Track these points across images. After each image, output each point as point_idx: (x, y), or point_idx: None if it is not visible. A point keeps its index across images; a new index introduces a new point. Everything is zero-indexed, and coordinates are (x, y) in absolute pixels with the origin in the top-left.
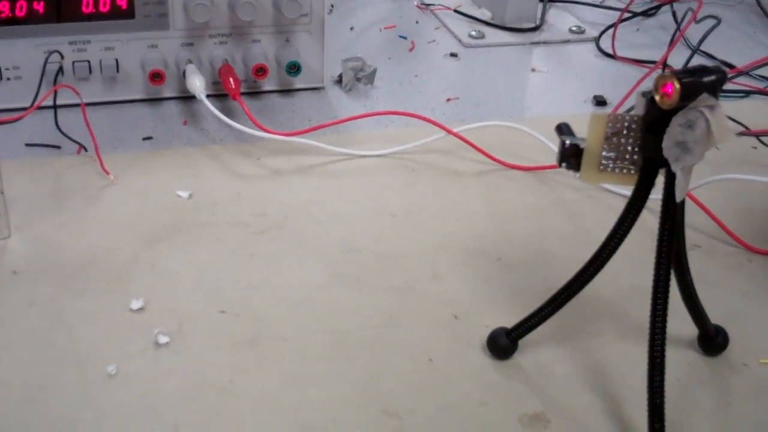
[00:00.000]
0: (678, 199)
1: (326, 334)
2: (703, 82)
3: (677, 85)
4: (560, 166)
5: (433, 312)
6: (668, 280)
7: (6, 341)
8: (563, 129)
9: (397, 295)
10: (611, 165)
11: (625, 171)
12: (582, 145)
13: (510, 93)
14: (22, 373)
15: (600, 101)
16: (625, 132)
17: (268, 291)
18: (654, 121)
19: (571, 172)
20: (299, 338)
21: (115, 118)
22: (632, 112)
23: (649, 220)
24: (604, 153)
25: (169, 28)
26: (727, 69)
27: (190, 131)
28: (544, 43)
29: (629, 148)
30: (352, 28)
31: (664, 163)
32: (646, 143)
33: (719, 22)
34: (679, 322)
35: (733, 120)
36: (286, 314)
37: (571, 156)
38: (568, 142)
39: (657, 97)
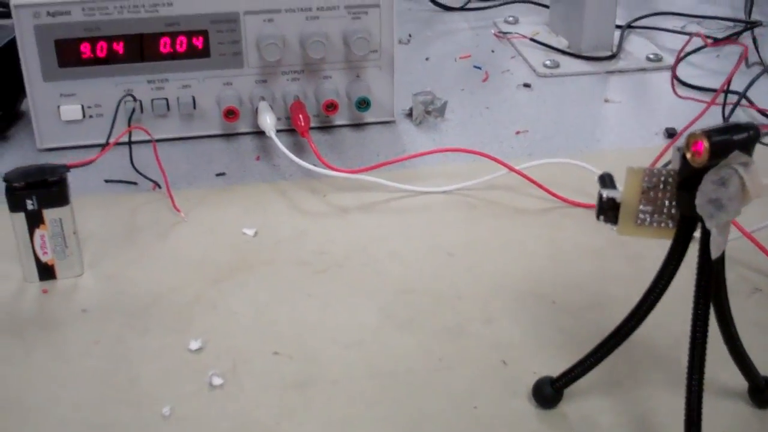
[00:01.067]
0: (714, 255)
1: (374, 378)
2: (734, 140)
3: (707, 144)
4: (598, 219)
5: (482, 356)
6: (706, 334)
7: (70, 379)
8: (605, 180)
9: (448, 338)
10: (648, 219)
11: (662, 225)
12: (619, 199)
13: (581, 125)
14: (84, 411)
15: (671, 133)
16: (661, 186)
17: (321, 332)
18: (687, 178)
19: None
20: (347, 381)
21: (192, 152)
22: (669, 167)
23: None
24: (641, 207)
25: (243, 66)
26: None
27: (262, 167)
28: (620, 71)
29: (666, 202)
30: (427, 59)
31: (700, 219)
32: (681, 200)
33: (765, 69)
34: (731, 373)
35: None
36: (337, 356)
37: (609, 209)
38: (605, 195)
39: (688, 155)
